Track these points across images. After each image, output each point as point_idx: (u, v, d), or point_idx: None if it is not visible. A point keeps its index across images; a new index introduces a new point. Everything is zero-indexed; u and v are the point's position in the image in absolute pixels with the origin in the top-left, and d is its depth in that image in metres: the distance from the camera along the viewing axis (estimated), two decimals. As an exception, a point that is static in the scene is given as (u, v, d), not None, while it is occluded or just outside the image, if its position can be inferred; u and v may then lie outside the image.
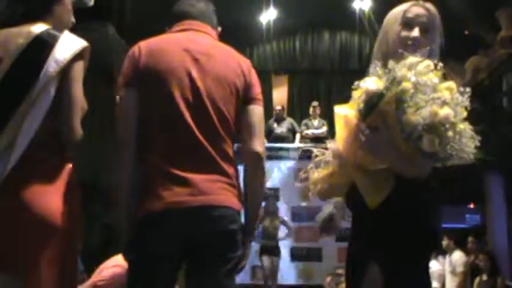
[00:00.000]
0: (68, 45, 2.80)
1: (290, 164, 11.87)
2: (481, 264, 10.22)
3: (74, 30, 2.97)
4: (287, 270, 11.36)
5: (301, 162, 10.85)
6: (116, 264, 4.94)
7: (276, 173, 11.43)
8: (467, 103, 2.57)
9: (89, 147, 8.98)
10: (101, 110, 10.11)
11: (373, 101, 2.66)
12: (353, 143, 2.77)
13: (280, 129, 13.33)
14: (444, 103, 2.52)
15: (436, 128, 2.49)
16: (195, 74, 2.97)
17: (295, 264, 11.67)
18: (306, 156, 3.03)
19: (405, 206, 2.73)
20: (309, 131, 13.39)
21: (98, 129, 10.62)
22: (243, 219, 3.11)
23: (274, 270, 10.96)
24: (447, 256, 10.91)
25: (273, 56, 18.09)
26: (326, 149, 3.01)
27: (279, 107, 14.06)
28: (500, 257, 10.46)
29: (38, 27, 2.82)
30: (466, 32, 13.33)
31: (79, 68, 2.81)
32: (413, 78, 2.56)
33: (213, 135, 2.94)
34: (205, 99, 2.94)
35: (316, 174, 2.96)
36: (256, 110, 3.07)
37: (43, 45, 2.78)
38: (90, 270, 7.81)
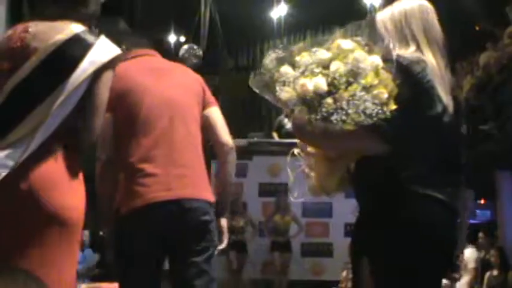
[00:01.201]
0: (105, 50, 2.87)
1: (301, 159, 11.81)
2: (492, 260, 10.21)
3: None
4: (298, 265, 11.35)
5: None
6: None
7: (287, 169, 11.41)
8: (370, 68, 2.63)
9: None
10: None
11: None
12: None
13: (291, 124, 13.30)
14: (322, 74, 2.60)
15: (305, 98, 2.59)
16: (164, 86, 3.40)
17: (306, 260, 11.67)
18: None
19: (361, 181, 2.82)
20: (320, 127, 13.33)
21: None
22: None
23: (285, 266, 10.98)
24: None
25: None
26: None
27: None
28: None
29: (77, 27, 2.86)
30: (477, 28, 13.29)
31: (110, 74, 2.88)
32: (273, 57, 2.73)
33: (183, 134, 3.34)
34: (174, 104, 3.37)
35: (311, 173, 3.02)
36: (217, 110, 3.56)
37: (81, 44, 2.82)
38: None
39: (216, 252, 3.41)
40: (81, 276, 10.01)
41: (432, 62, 2.79)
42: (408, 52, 2.81)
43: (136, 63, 3.46)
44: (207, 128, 3.49)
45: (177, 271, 3.31)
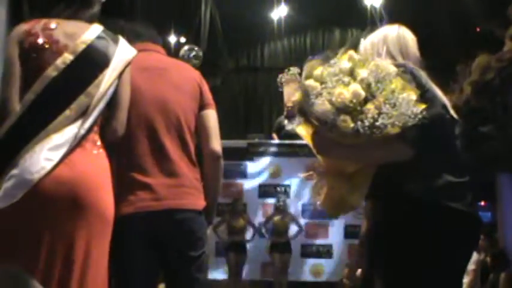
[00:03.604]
0: (127, 49, 3.04)
1: (301, 160, 11.84)
2: (492, 262, 10.21)
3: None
4: (297, 266, 11.34)
5: (311, 159, 10.64)
6: None
7: (286, 170, 11.42)
8: (395, 73, 2.67)
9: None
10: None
11: (299, 109, 2.84)
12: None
13: (291, 125, 13.27)
14: (357, 82, 2.64)
15: (346, 107, 2.59)
16: (154, 87, 3.30)
17: (305, 261, 11.65)
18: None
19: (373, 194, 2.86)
20: (320, 128, 13.29)
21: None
22: None
23: (284, 267, 10.96)
24: (458, 253, 10.87)
25: (283, 52, 18.07)
26: None
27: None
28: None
29: (98, 27, 3.01)
30: (478, 29, 13.28)
31: (129, 70, 3.03)
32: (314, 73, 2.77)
33: (175, 140, 3.27)
34: (166, 108, 3.28)
35: (319, 197, 3.03)
36: (211, 114, 3.42)
37: (108, 44, 2.97)
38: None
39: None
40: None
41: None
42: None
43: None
44: (198, 130, 3.40)
45: (170, 280, 3.33)
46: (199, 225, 3.27)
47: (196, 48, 13.14)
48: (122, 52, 2.99)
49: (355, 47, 2.91)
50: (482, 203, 16.73)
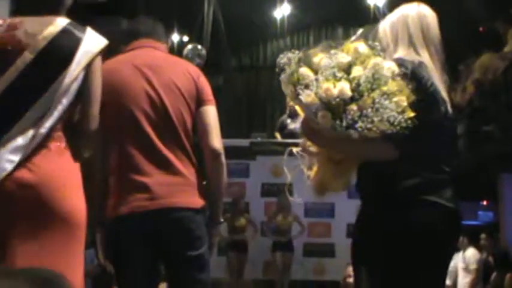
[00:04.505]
0: (94, 40, 2.92)
1: (299, 158, 11.75)
2: (494, 262, 10.21)
3: (88, 25, 3.02)
4: (300, 266, 11.34)
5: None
6: None
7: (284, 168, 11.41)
8: (390, 75, 2.62)
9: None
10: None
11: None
12: None
13: (294, 124, 13.27)
14: (345, 79, 2.59)
15: (330, 103, 2.57)
16: (146, 85, 3.25)
17: (307, 260, 11.65)
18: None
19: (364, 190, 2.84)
20: (322, 127, 13.26)
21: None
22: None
23: (287, 266, 10.95)
24: (460, 253, 10.89)
25: (286, 51, 18.04)
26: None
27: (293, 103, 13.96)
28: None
29: (63, 20, 2.90)
30: (481, 29, 13.26)
31: (100, 63, 2.94)
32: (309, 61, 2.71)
33: (169, 138, 3.22)
34: (159, 106, 3.23)
35: (310, 173, 3.02)
36: (210, 110, 3.35)
37: (72, 37, 2.87)
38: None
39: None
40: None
41: (430, 63, 2.81)
42: (405, 54, 2.83)
43: (126, 59, 3.35)
44: (197, 128, 3.33)
45: (172, 281, 3.31)
46: (196, 224, 3.22)
47: (199, 47, 13.15)
48: (88, 44, 2.88)
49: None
50: (485, 203, 16.70)
